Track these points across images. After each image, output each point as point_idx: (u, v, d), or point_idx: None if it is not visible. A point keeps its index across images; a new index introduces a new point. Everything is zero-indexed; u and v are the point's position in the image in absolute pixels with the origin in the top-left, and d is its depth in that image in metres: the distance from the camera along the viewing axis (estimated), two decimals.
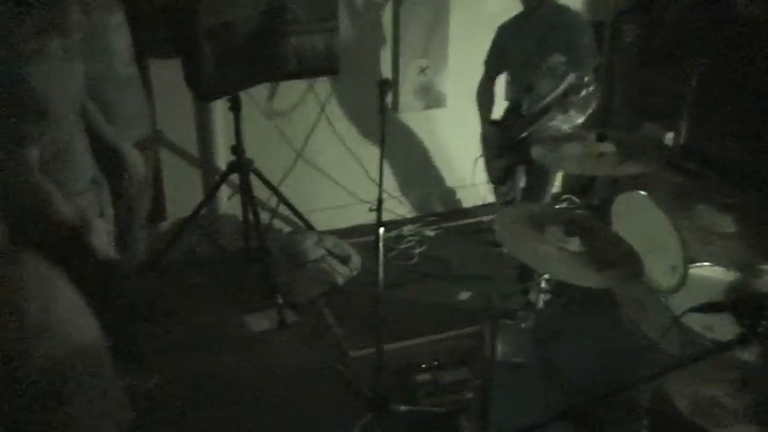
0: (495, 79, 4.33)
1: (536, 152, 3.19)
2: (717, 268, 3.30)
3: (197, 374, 3.77)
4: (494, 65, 4.29)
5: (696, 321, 2.77)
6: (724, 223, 3.22)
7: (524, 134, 3.95)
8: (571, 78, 3.86)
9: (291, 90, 4.71)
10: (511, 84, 4.23)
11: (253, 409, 3.58)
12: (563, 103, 3.66)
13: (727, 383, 2.48)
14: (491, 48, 4.26)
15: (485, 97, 4.32)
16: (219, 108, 4.47)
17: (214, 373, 3.78)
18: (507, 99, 4.35)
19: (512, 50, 4.13)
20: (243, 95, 4.30)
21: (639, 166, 3.02)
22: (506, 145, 4.12)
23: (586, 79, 3.66)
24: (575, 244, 2.66)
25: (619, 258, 2.65)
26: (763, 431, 2.34)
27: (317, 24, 4.30)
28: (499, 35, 4.22)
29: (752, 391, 2.47)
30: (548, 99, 3.91)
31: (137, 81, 3.66)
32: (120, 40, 3.50)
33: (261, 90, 4.53)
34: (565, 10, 4.01)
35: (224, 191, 4.73)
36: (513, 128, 4.04)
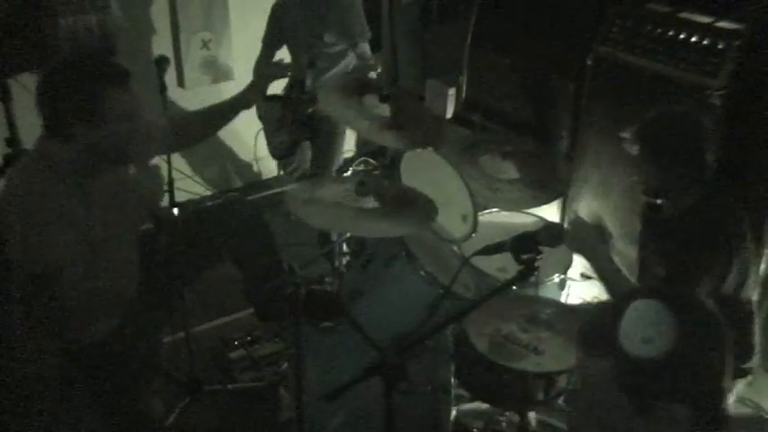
0: (272, 56, 4.31)
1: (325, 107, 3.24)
2: (504, 212, 3.51)
3: None
4: (271, 42, 4.28)
5: (490, 265, 2.93)
6: (507, 170, 3.42)
7: (309, 110, 4.00)
8: (353, 60, 3.99)
9: None
10: (292, 60, 4.24)
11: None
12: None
13: (520, 319, 2.65)
14: (267, 25, 4.26)
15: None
16: None
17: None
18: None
19: (288, 28, 4.16)
20: (15, 83, 4.03)
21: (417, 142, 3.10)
22: (289, 121, 4.15)
23: (370, 62, 3.77)
24: (369, 202, 2.74)
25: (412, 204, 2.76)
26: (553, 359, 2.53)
27: (87, 3, 4.10)
28: (274, 12, 4.22)
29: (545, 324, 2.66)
30: (329, 74, 3.98)
31: None
32: None
33: (35, 76, 4.26)
34: None
35: None
36: (298, 104, 4.07)
